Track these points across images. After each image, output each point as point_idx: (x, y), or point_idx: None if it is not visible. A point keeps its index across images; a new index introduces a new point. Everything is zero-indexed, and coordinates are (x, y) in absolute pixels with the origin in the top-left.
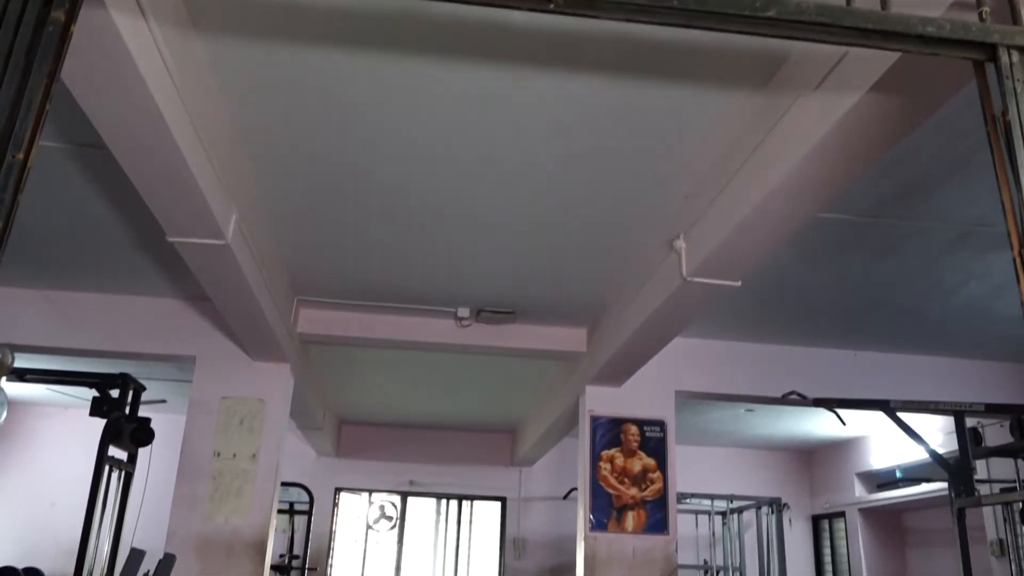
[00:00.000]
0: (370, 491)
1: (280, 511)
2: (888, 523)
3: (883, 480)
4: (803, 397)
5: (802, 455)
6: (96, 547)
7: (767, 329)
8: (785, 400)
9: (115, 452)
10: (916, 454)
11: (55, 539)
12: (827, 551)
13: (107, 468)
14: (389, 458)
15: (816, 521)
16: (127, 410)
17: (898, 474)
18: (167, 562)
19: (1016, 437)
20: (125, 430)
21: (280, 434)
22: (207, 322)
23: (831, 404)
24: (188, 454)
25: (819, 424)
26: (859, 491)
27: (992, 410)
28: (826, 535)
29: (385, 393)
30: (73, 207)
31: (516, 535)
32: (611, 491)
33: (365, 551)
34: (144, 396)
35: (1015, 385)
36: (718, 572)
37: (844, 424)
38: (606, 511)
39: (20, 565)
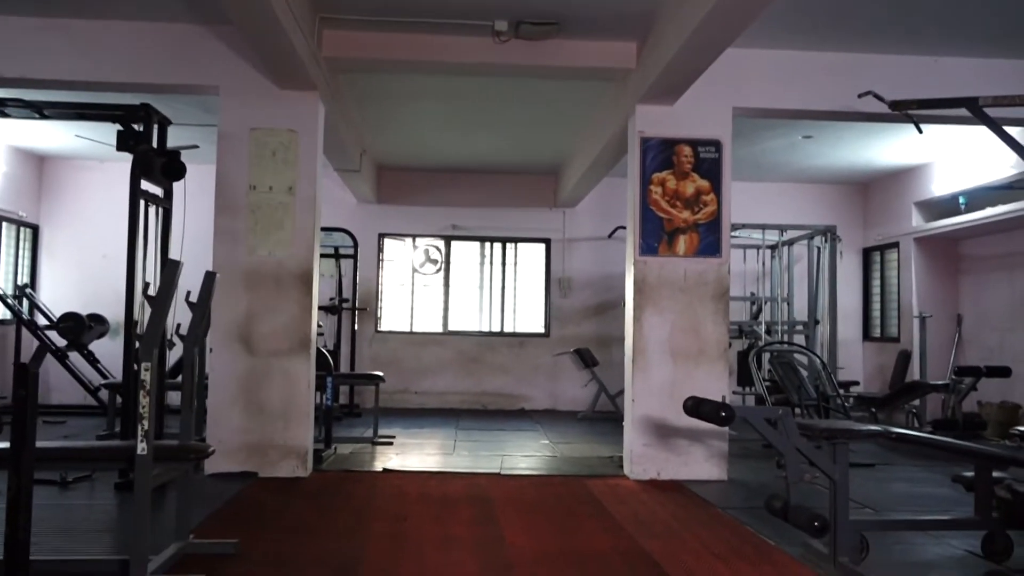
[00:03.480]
0: (414, 236)
1: (325, 255)
2: (943, 251)
3: (943, 208)
4: (880, 99)
5: (857, 188)
6: (143, 281)
7: (835, 32)
8: (854, 115)
9: (150, 188)
10: (980, 179)
11: (112, 288)
12: (876, 282)
13: (143, 203)
14: (431, 203)
15: (867, 254)
16: (155, 144)
17: (961, 200)
18: (209, 279)
19: None
20: (155, 163)
21: (315, 166)
22: (229, 49)
23: (910, 106)
24: (223, 188)
25: (880, 151)
26: (916, 220)
27: None
28: (876, 267)
29: (422, 133)
30: None
31: (561, 275)
32: (662, 215)
33: (413, 293)
34: (178, 142)
35: None
36: (765, 303)
37: (920, 132)
38: (657, 235)
39: (83, 312)
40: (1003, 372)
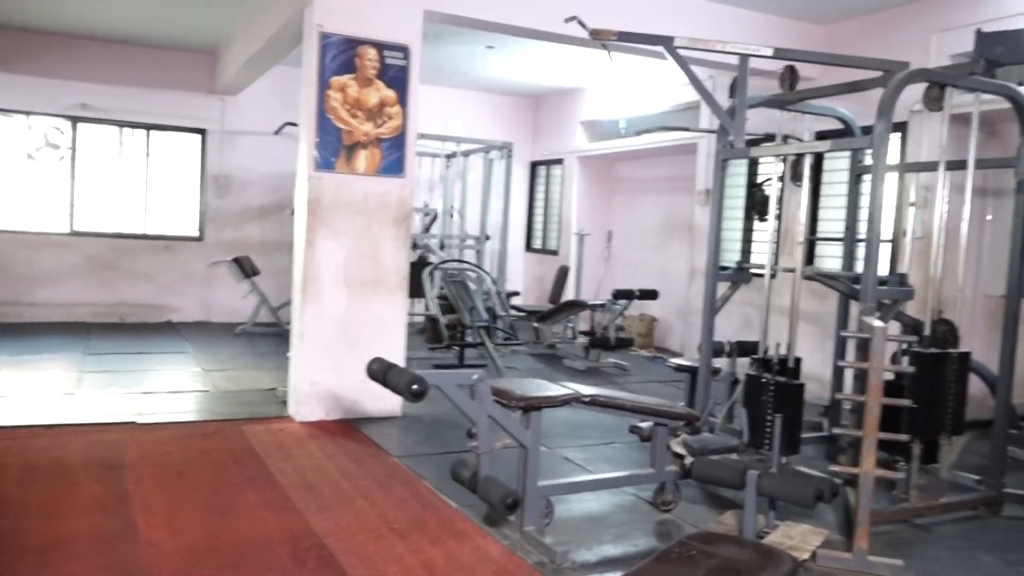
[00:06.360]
0: (28, 113)
1: None
2: (602, 171)
3: (605, 131)
4: (584, 26)
5: (530, 101)
6: None
7: None
8: (553, 36)
9: None
10: (640, 109)
11: None
12: (540, 196)
13: None
14: (52, 74)
15: (534, 167)
16: None
17: (622, 124)
18: None
19: (785, 88)
20: None
21: None
22: None
23: (609, 36)
24: None
25: (552, 69)
26: (580, 140)
27: (779, 56)
28: (542, 181)
29: None
30: None
31: (219, 171)
32: (341, 126)
33: (25, 185)
34: None
35: (797, 46)
36: (438, 216)
37: (611, 61)
38: (334, 148)
39: None
40: (652, 295)
